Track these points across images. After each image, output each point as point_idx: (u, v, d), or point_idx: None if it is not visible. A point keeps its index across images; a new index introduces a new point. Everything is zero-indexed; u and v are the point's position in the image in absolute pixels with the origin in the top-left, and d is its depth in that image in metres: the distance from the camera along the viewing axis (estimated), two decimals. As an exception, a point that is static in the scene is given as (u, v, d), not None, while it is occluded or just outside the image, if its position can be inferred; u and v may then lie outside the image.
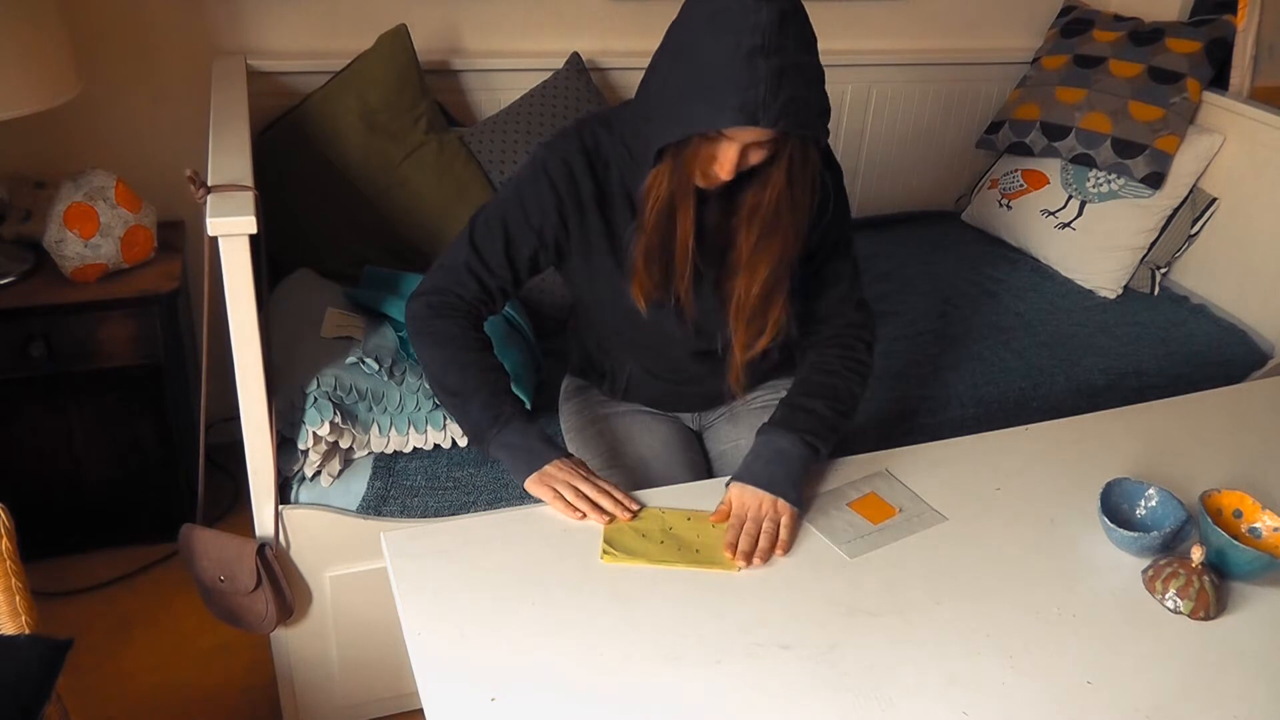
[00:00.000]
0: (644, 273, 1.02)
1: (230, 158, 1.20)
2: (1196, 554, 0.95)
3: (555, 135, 1.07)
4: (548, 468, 1.01)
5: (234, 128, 1.31)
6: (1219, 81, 1.91)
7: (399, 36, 1.62)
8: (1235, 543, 0.96)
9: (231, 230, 1.04)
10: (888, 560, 0.97)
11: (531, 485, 1.01)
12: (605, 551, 0.94)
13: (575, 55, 1.78)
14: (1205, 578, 0.95)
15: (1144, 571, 0.99)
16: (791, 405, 1.08)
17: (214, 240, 1.06)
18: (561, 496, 0.99)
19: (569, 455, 1.03)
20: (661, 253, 1.01)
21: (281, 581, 1.25)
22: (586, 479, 1.01)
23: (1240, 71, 1.90)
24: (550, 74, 1.76)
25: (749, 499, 0.99)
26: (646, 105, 0.95)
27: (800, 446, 1.03)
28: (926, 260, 1.94)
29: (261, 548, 1.22)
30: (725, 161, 0.93)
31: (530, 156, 1.06)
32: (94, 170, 1.53)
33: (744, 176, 0.96)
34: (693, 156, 0.93)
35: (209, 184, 1.11)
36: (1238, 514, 1.03)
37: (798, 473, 1.01)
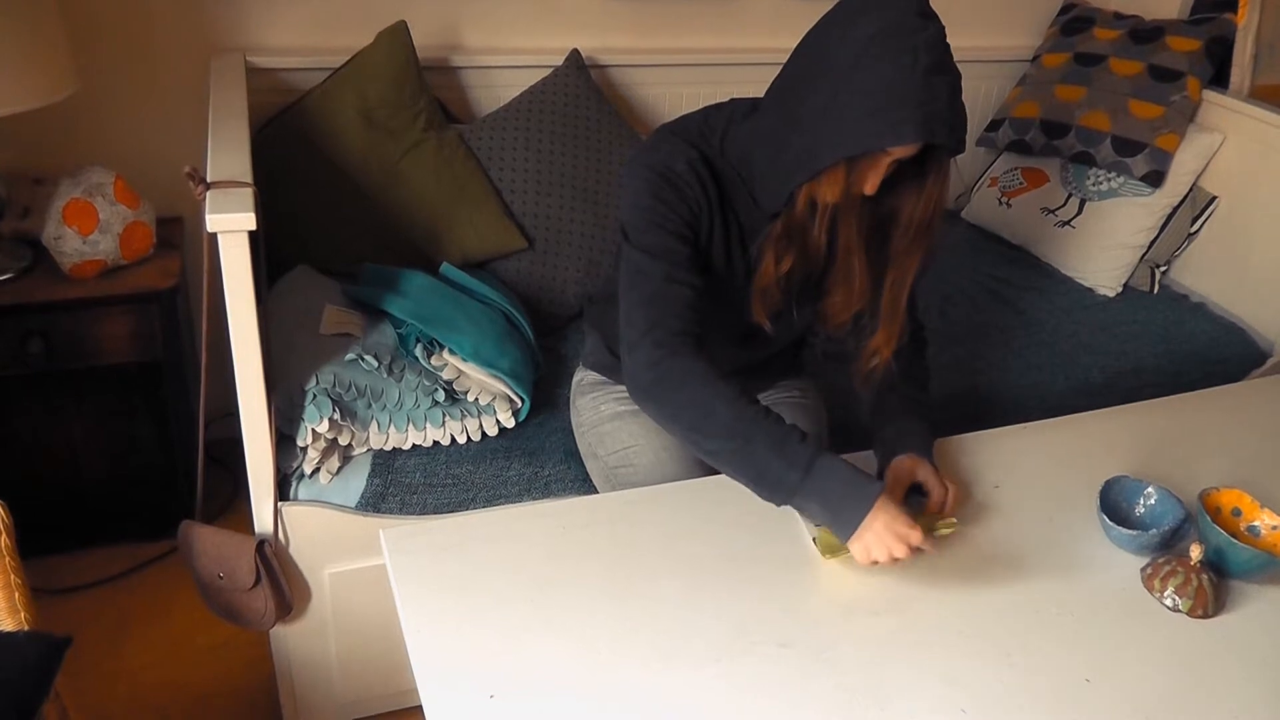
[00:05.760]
0: (775, 286, 1.04)
1: (229, 154, 1.19)
2: (1195, 552, 0.95)
3: (654, 146, 1.02)
4: (867, 534, 0.91)
5: (233, 124, 1.30)
6: (1219, 80, 1.91)
7: (398, 33, 1.61)
8: (1234, 541, 0.96)
9: (231, 227, 1.04)
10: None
11: (853, 550, 0.93)
12: (825, 555, 0.95)
13: (575, 52, 1.78)
14: (1204, 576, 0.95)
15: (1143, 569, 0.99)
16: (904, 397, 1.13)
17: (213, 237, 1.05)
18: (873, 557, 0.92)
19: (881, 491, 0.92)
20: (802, 266, 1.03)
21: (280, 578, 1.25)
22: (904, 540, 0.91)
23: (1240, 70, 1.89)
24: (550, 71, 1.76)
25: (906, 462, 1.05)
26: (797, 123, 0.94)
27: (924, 423, 1.11)
28: (926, 258, 1.94)
29: (260, 545, 1.22)
30: (877, 176, 0.95)
31: (645, 170, 1.01)
32: (93, 166, 1.53)
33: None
34: (861, 172, 0.95)
35: (208, 180, 1.11)
36: (1236, 512, 1.03)
37: (928, 440, 1.10)
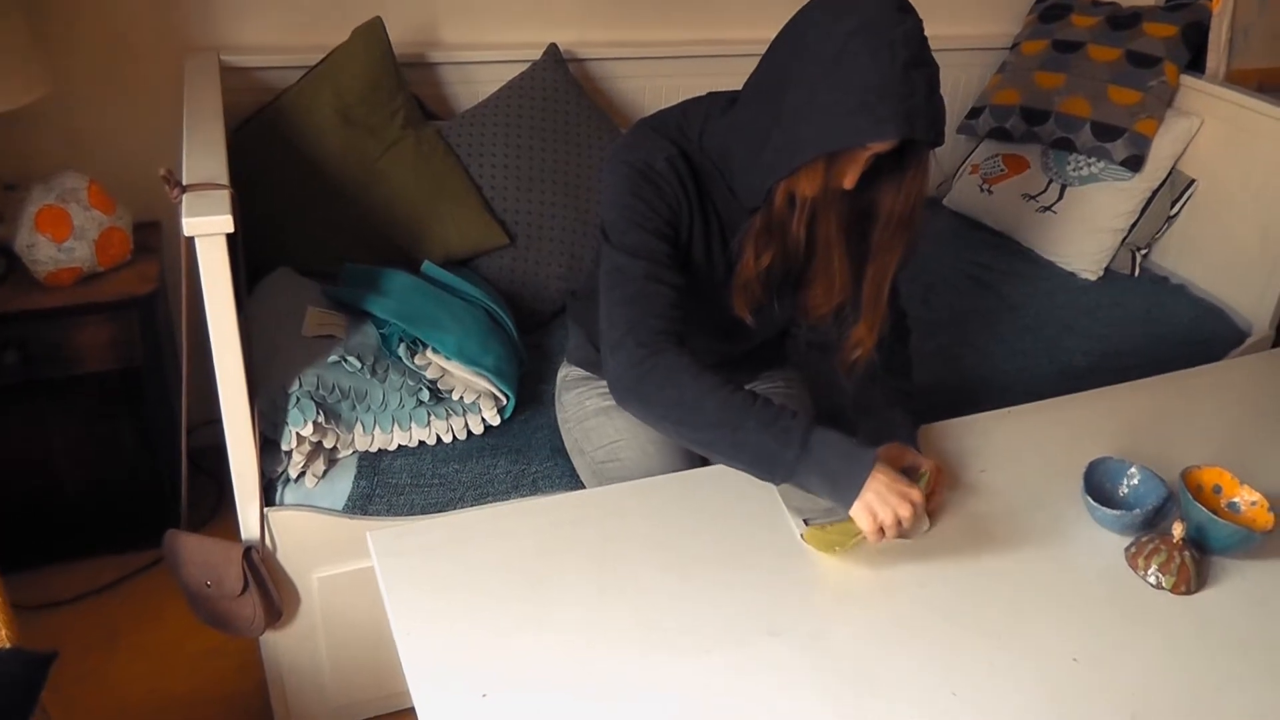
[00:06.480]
0: (756, 280, 1.03)
1: (205, 156, 1.18)
2: (1177, 530, 0.96)
3: (632, 143, 1.02)
4: (869, 494, 0.92)
5: (208, 125, 1.29)
6: (1195, 65, 1.92)
7: (374, 29, 1.60)
8: (1215, 518, 0.97)
9: (208, 230, 1.03)
10: (874, 545, 0.98)
11: (857, 513, 0.93)
12: (823, 550, 0.95)
13: (553, 46, 1.77)
14: (1186, 553, 0.96)
15: (1127, 549, 1.00)
16: (887, 388, 1.14)
17: (190, 240, 1.04)
18: (879, 525, 0.92)
19: (878, 457, 0.94)
20: (782, 260, 1.03)
21: (269, 584, 1.24)
22: (906, 498, 0.92)
23: (1216, 55, 1.91)
24: (528, 65, 1.75)
25: (892, 450, 1.05)
26: (777, 118, 0.94)
27: (908, 413, 1.13)
28: (909, 246, 1.95)
29: (248, 551, 1.21)
30: (856, 171, 0.95)
31: (625, 167, 1.00)
32: (66, 171, 1.51)
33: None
34: (840, 165, 0.95)
35: (184, 183, 1.10)
36: (1217, 490, 1.05)
37: (912, 430, 1.12)
